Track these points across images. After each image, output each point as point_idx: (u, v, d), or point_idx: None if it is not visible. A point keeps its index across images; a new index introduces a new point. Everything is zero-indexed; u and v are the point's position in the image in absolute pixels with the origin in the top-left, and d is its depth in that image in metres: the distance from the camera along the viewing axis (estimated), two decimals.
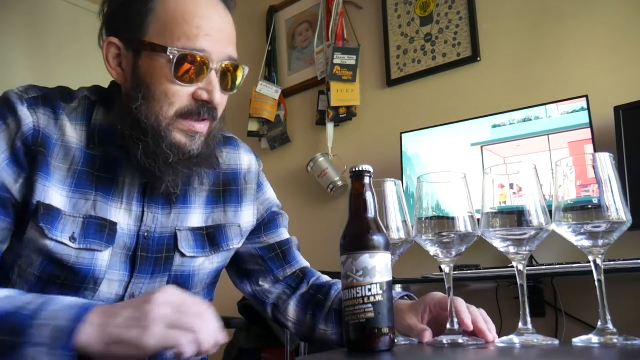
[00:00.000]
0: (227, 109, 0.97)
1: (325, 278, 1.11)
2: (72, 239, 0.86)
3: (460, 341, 0.78)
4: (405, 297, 0.99)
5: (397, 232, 0.90)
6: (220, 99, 0.90)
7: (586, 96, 1.79)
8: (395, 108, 2.44)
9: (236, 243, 1.04)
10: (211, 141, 0.93)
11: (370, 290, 0.72)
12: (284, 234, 1.12)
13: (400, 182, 0.94)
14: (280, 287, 1.09)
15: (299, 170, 2.64)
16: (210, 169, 0.96)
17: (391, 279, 0.75)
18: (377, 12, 2.54)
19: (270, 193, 1.13)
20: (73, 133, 0.90)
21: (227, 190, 1.05)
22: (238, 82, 0.94)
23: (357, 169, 0.79)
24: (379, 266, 0.73)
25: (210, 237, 1.01)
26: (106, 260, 0.89)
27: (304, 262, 1.13)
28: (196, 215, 1.00)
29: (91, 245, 0.88)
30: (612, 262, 1.42)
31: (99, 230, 0.89)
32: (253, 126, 2.77)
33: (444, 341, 0.78)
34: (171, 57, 0.84)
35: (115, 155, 0.92)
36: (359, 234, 0.75)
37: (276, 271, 1.09)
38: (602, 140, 1.76)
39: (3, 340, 0.68)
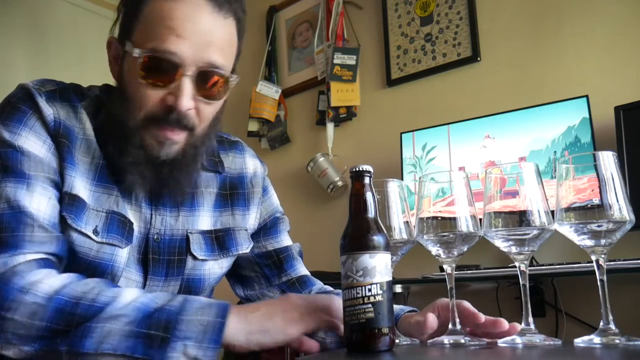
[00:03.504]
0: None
1: (328, 288, 1.10)
2: (95, 232, 0.86)
3: (462, 341, 0.77)
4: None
5: (399, 232, 0.90)
6: (188, 105, 0.84)
7: (586, 96, 1.79)
8: (395, 108, 2.44)
9: (245, 248, 1.04)
10: (190, 150, 0.89)
11: (370, 290, 0.71)
12: (283, 240, 1.11)
13: (402, 182, 0.94)
14: (273, 292, 1.09)
15: (299, 170, 2.64)
16: (190, 178, 0.93)
17: (391, 279, 0.74)
18: (377, 12, 2.54)
19: (274, 198, 1.13)
20: (90, 127, 0.90)
21: (234, 193, 1.05)
22: (221, 91, 0.88)
23: (357, 169, 0.79)
24: (379, 266, 0.72)
25: (219, 241, 1.00)
26: (124, 258, 0.89)
27: (303, 271, 1.11)
28: (205, 219, 1.00)
29: (112, 240, 0.88)
30: (612, 262, 1.42)
31: (121, 226, 0.89)
32: (253, 126, 2.77)
33: (445, 341, 0.78)
34: (137, 57, 0.83)
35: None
36: (359, 234, 0.74)
37: (272, 278, 1.09)
38: (602, 140, 1.76)
39: (154, 334, 0.71)
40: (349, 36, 2.58)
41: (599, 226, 0.70)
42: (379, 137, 2.44)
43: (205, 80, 0.85)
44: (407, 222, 0.91)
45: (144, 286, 0.93)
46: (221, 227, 1.02)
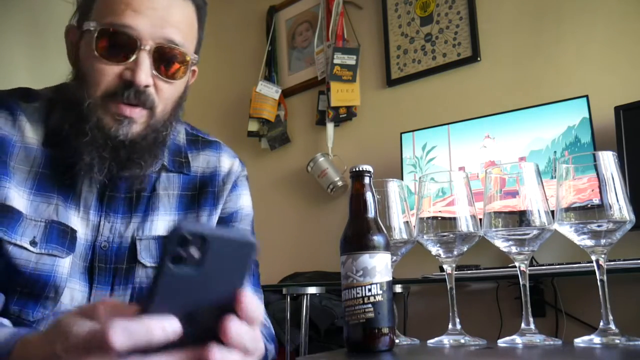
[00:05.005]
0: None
1: None
2: (33, 243, 0.82)
3: (462, 341, 0.77)
4: None
5: (399, 232, 0.90)
6: (146, 81, 0.81)
7: (586, 96, 1.79)
8: (395, 108, 2.44)
9: None
10: (151, 133, 0.85)
11: (370, 290, 0.71)
12: None
13: (402, 182, 0.94)
14: None
15: (299, 170, 2.64)
16: (150, 164, 0.88)
17: (391, 279, 0.74)
18: (377, 12, 2.54)
19: (244, 199, 1.03)
20: (33, 134, 0.86)
21: (203, 193, 0.98)
22: (180, 70, 0.85)
23: (357, 169, 0.79)
24: (379, 266, 0.72)
25: None
26: (67, 268, 0.84)
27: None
28: (162, 223, 0.93)
29: (52, 250, 0.83)
30: (612, 262, 1.42)
31: (61, 235, 0.84)
32: (253, 126, 2.77)
33: (445, 341, 0.78)
34: (92, 30, 0.81)
35: (71, 158, 0.85)
36: (359, 234, 0.75)
37: None
38: (602, 140, 1.76)
39: None
40: (349, 36, 2.58)
41: (599, 226, 0.70)
42: (379, 137, 2.44)
43: (164, 57, 0.83)
44: (407, 222, 0.91)
45: (89, 297, 0.86)
46: None
